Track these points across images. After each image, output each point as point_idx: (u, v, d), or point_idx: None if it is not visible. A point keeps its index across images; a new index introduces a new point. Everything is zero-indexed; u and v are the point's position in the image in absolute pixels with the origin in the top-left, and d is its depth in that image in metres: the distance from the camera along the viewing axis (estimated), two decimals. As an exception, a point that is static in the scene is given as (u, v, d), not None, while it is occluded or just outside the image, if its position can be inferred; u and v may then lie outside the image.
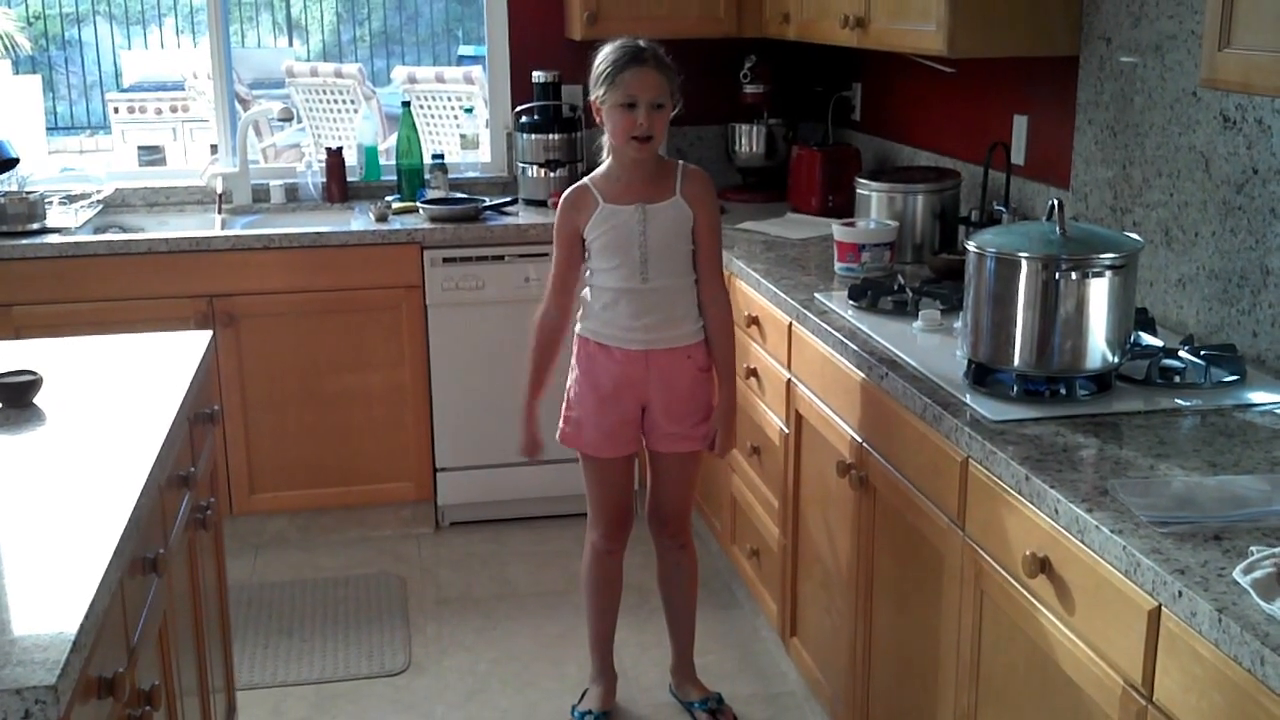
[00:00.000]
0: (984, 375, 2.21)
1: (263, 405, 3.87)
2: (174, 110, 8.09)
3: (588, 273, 2.79)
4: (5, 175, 4.01)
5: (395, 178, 4.32)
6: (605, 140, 2.73)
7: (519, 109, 4.27)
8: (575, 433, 2.85)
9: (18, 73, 8.63)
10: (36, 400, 2.16)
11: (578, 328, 2.83)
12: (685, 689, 3.09)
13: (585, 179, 2.78)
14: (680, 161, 2.78)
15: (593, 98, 2.68)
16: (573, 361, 2.85)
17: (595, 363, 2.79)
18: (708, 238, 2.76)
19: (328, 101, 6.98)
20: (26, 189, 4.00)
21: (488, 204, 4.07)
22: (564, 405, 2.88)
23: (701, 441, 2.87)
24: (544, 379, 2.85)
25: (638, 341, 2.75)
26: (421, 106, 6.79)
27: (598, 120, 2.71)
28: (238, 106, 4.69)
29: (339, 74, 6.98)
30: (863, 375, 2.48)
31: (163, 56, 9.82)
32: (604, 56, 2.66)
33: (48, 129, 8.86)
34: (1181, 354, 2.27)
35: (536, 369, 2.84)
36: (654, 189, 2.72)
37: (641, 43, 2.66)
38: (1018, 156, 3.17)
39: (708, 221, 2.75)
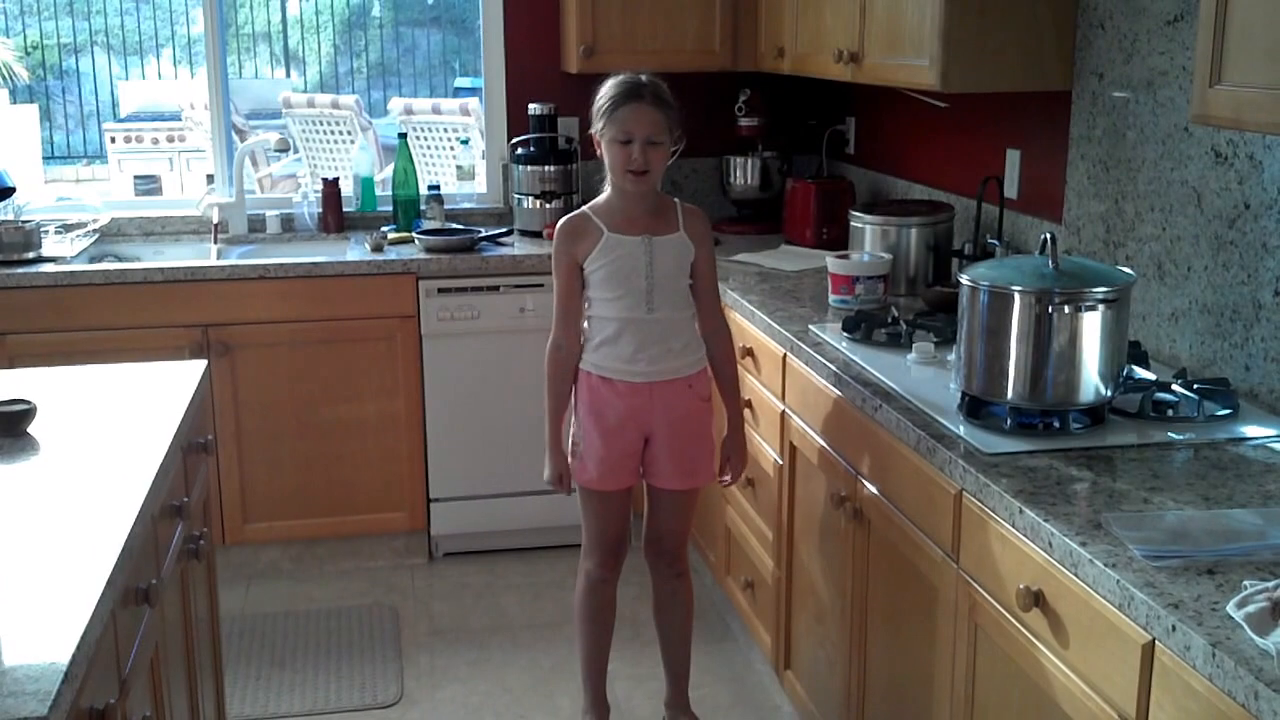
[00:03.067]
0: (977, 408, 2.22)
1: (257, 435, 3.86)
2: (171, 140, 8.11)
3: (587, 304, 2.79)
4: (1, 204, 4.01)
5: (391, 208, 4.33)
6: (607, 172, 2.75)
7: (515, 141, 4.29)
8: (579, 466, 2.85)
9: (15, 102, 8.67)
10: (30, 429, 2.15)
11: (579, 362, 2.83)
12: None
13: (585, 207, 2.79)
14: (676, 199, 2.82)
15: (593, 130, 2.72)
16: (574, 396, 2.85)
17: (598, 396, 2.79)
18: (708, 272, 2.81)
19: (324, 132, 7.01)
20: (22, 218, 4.01)
21: (483, 235, 4.09)
22: (568, 440, 2.88)
23: (704, 478, 2.89)
24: (565, 409, 2.85)
25: (641, 374, 2.76)
26: (418, 138, 6.82)
27: (598, 152, 2.73)
28: (234, 137, 4.70)
29: (336, 105, 7.01)
30: (857, 407, 2.48)
31: (160, 87, 9.86)
32: (604, 91, 2.69)
33: (44, 158, 8.89)
34: (1174, 388, 2.28)
35: (558, 402, 2.83)
36: (657, 222, 2.74)
37: (643, 78, 2.69)
38: (1011, 190, 3.19)
39: (707, 257, 2.80)
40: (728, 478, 2.93)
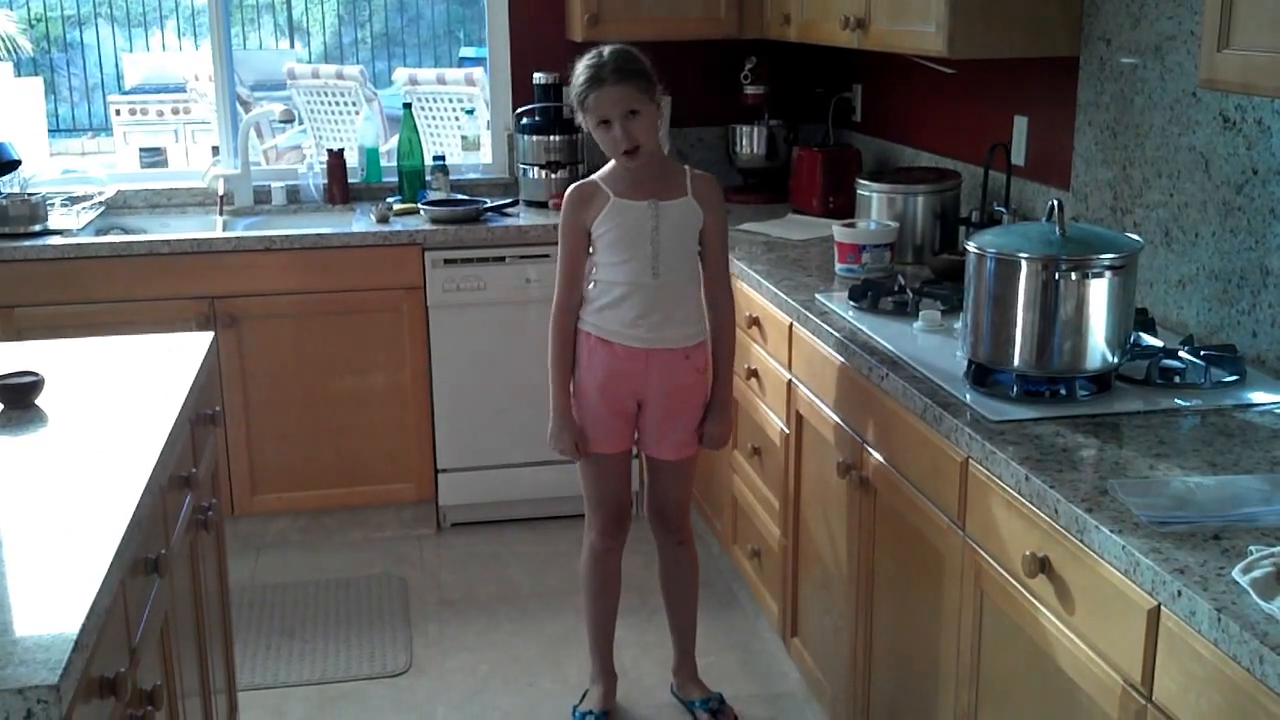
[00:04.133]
0: (984, 376, 2.21)
1: (264, 406, 3.87)
2: (175, 112, 8.10)
3: (593, 268, 2.80)
4: (7, 177, 4.01)
5: (396, 179, 4.32)
6: None
7: (520, 110, 4.27)
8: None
9: (19, 75, 8.65)
10: (38, 401, 2.16)
11: (579, 322, 2.83)
12: (687, 689, 3.09)
13: (594, 175, 2.79)
14: (686, 165, 2.82)
15: (577, 120, 2.74)
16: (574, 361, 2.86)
17: (595, 356, 2.80)
18: (717, 238, 2.81)
19: (329, 103, 6.99)
20: (28, 191, 4.01)
21: (489, 205, 4.08)
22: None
23: (696, 448, 2.91)
24: (569, 374, 2.85)
25: (640, 339, 2.76)
26: (423, 108, 6.79)
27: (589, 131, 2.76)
28: (239, 108, 4.69)
29: (340, 76, 6.99)
30: (863, 376, 2.48)
31: (164, 59, 9.84)
32: (575, 81, 2.70)
33: (49, 131, 8.87)
34: (1181, 354, 2.27)
35: (562, 367, 2.84)
36: (664, 186, 2.75)
37: (604, 54, 2.67)
38: (1018, 157, 3.18)
39: (717, 223, 2.80)
40: (701, 443, 2.91)
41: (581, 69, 2.68)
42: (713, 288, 2.85)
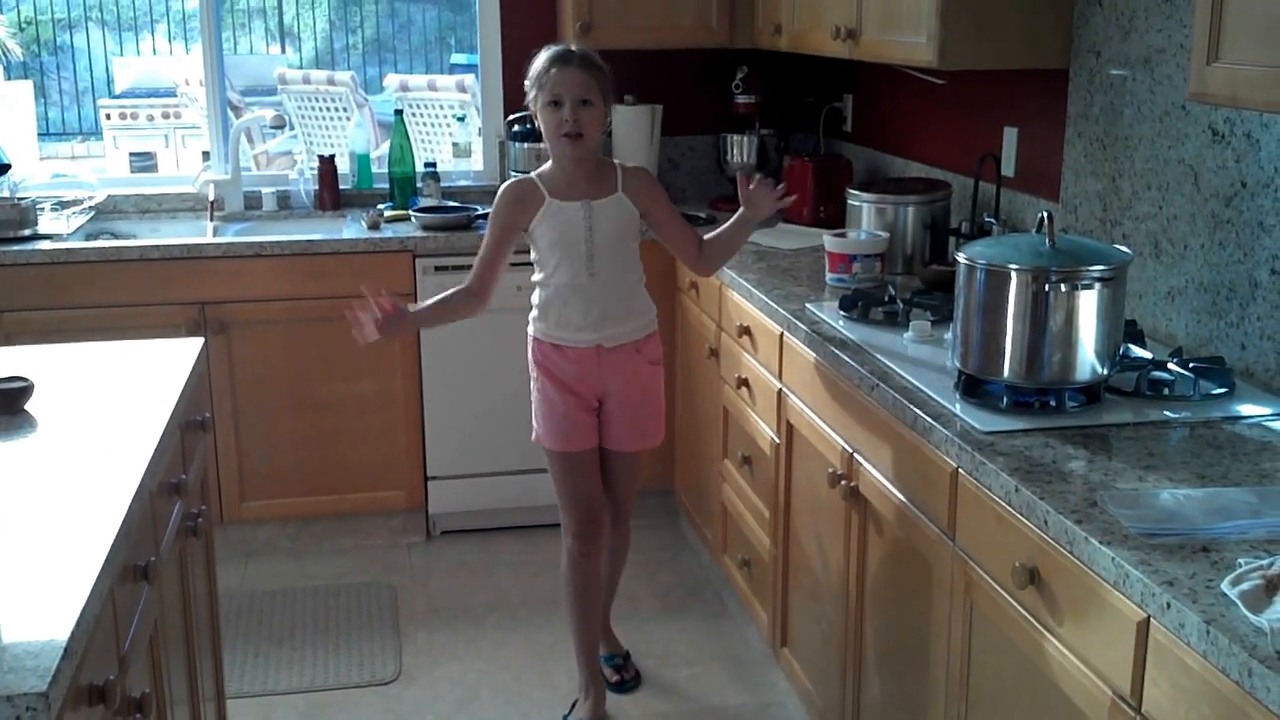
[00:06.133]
0: (974, 386, 2.22)
1: (254, 413, 3.86)
2: (166, 117, 8.09)
3: (537, 273, 2.85)
4: (-3, 181, 4.00)
5: (388, 185, 4.31)
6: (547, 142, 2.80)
7: (511, 117, 4.27)
8: (541, 431, 2.93)
9: (9, 78, 8.63)
10: (28, 407, 2.15)
11: (530, 329, 2.90)
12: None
13: (532, 173, 2.84)
14: (617, 161, 2.88)
15: (527, 101, 2.77)
16: (530, 366, 2.92)
17: (550, 360, 2.87)
18: (668, 219, 2.88)
19: (320, 109, 6.98)
20: (18, 195, 3.99)
21: (480, 212, 4.07)
22: (532, 413, 2.96)
23: (655, 439, 2.99)
24: (428, 314, 2.92)
25: (588, 340, 2.82)
26: (414, 114, 6.79)
27: (536, 124, 2.80)
28: (230, 113, 4.69)
29: (331, 81, 6.99)
30: (853, 386, 2.49)
31: (155, 63, 9.82)
32: (535, 62, 2.75)
33: (39, 135, 8.86)
34: (1170, 366, 2.28)
35: (428, 309, 2.90)
36: (597, 186, 2.80)
37: (572, 46, 2.76)
38: (1008, 168, 3.19)
39: (663, 208, 2.87)
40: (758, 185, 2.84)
41: (546, 52, 2.75)
42: (694, 248, 2.89)
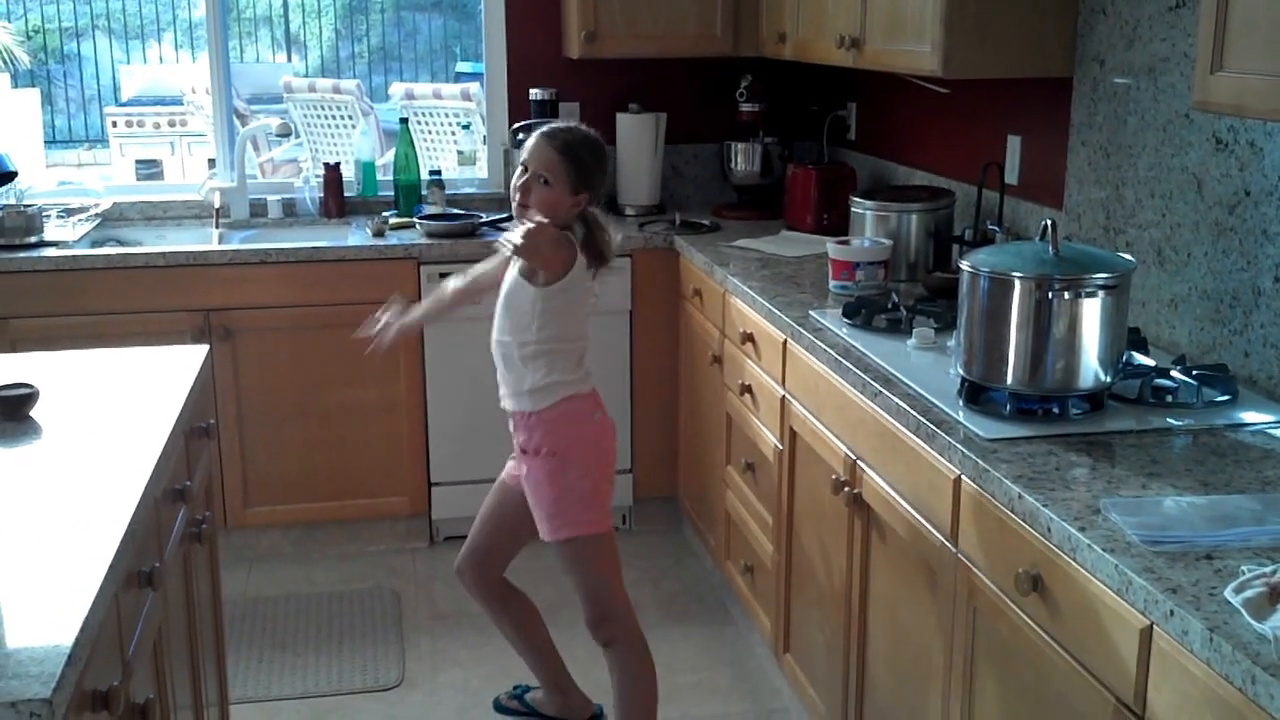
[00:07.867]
0: (977, 393, 2.22)
1: (258, 419, 3.87)
2: (172, 125, 8.10)
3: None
4: (3, 188, 4.01)
5: (393, 193, 4.33)
6: None
7: (516, 126, 4.28)
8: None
9: (16, 86, 8.64)
10: (33, 413, 2.16)
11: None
12: None
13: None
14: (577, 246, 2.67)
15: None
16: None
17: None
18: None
19: (326, 117, 7.00)
20: (24, 202, 4.01)
21: (484, 220, 4.09)
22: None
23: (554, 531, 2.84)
24: (435, 305, 3.06)
25: (503, 398, 2.82)
26: (419, 123, 6.81)
27: None
28: (236, 121, 4.70)
29: (337, 90, 7.00)
30: (857, 392, 2.49)
31: (161, 71, 9.84)
32: (537, 126, 2.73)
33: (46, 142, 8.87)
34: (1174, 374, 2.28)
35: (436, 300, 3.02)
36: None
37: (575, 128, 2.67)
38: (1011, 176, 3.19)
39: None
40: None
41: (549, 124, 2.70)
42: None
